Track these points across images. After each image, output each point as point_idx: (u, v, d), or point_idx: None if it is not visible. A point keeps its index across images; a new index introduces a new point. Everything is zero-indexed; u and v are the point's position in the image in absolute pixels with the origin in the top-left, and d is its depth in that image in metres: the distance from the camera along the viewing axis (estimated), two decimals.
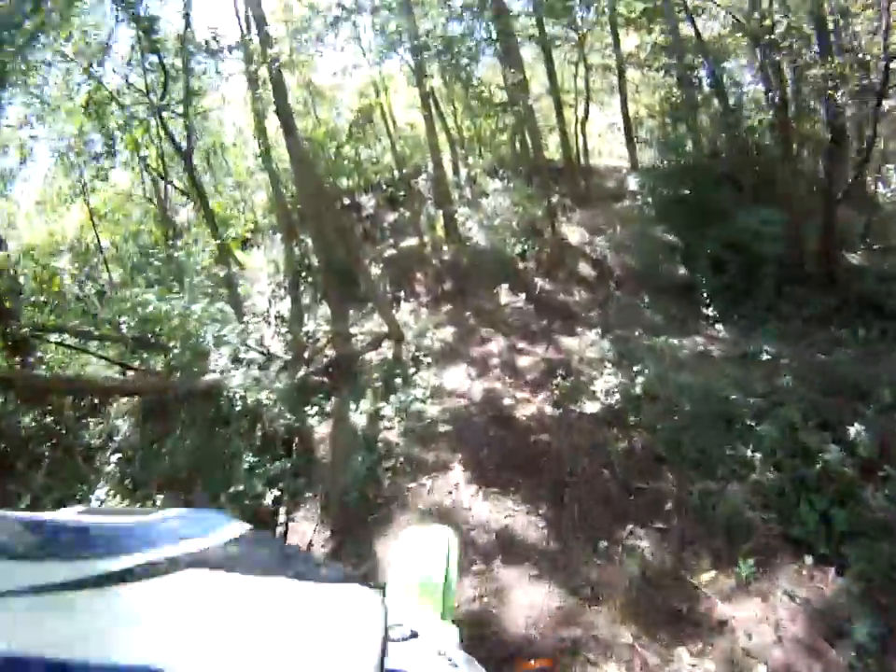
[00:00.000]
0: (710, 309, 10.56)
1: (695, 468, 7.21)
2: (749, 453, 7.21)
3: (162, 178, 16.80)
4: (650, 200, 11.84)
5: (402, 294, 13.05)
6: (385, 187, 19.92)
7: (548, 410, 8.26)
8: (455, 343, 10.56)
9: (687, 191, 11.31)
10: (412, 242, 15.82)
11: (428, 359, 9.99)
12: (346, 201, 19.70)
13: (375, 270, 13.71)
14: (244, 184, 20.01)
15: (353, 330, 11.91)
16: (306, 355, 10.89)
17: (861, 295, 11.09)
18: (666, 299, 10.82)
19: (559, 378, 8.85)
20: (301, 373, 9.53)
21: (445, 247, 13.87)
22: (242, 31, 15.04)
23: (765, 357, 9.07)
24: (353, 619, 0.78)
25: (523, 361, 9.65)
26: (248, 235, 18.20)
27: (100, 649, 0.53)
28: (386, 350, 10.76)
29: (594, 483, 7.10)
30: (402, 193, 18.41)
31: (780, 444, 7.25)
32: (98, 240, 18.16)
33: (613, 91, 19.61)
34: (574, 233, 13.94)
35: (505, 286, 12.06)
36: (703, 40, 15.54)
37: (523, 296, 11.69)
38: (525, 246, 13.23)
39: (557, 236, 13.36)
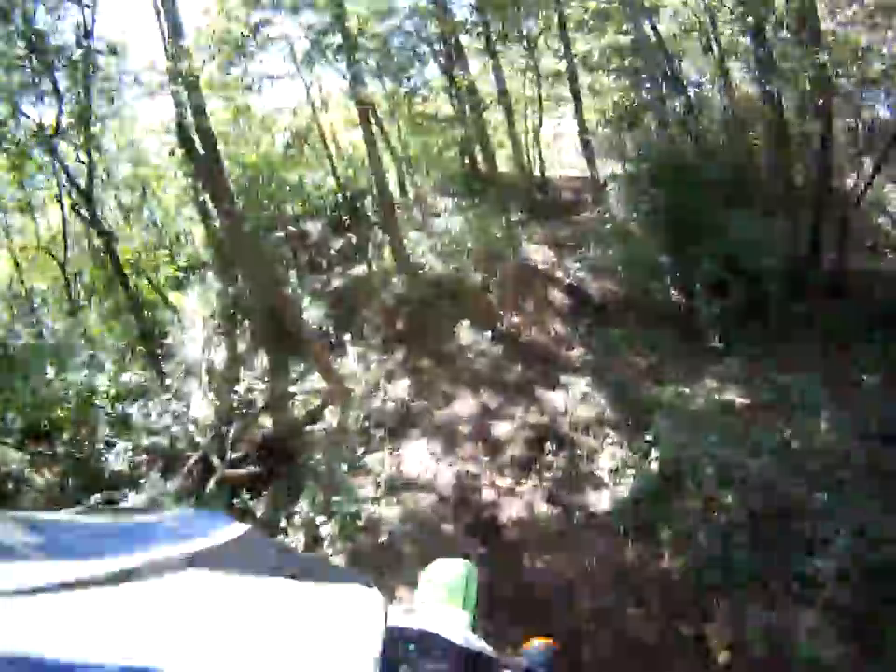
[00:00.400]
0: (714, 339, 8.08)
1: (752, 594, 4.75)
2: (818, 564, 4.84)
3: (78, 218, 13.71)
4: (631, 213, 9.34)
5: (349, 336, 10.30)
6: (329, 211, 17.10)
7: (542, 507, 5.71)
8: (413, 403, 7.88)
9: (670, 201, 8.84)
10: (360, 270, 13.06)
11: (381, 431, 7.29)
12: (291, 228, 16.87)
13: (316, 311, 10.92)
14: (172, 217, 16.98)
15: (293, 389, 9.14)
16: (232, 432, 8.08)
17: (875, 304, 8.85)
18: (661, 330, 8.31)
19: (549, 454, 6.27)
20: (217, 477, 6.74)
21: (395, 279, 11.15)
22: (166, 49, 12.02)
23: (799, 404, 6.65)
24: (353, 619, 0.76)
25: (499, 428, 7.03)
26: (180, 274, 15.16)
27: (100, 649, 0.48)
28: (331, 416, 8.04)
29: (621, 629, 4.55)
30: (347, 218, 15.63)
31: (857, 549, 4.90)
32: (25, 287, 15.14)
33: (565, 99, 17.17)
34: (538, 253, 11.38)
35: (466, 322, 9.40)
36: (662, 40, 13.23)
37: (488, 334, 9.05)
38: (486, 273, 10.59)
39: (520, 259, 10.79)
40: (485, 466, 6.36)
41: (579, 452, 6.26)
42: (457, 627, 1.27)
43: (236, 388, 10.23)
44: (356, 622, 0.75)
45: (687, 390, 7.01)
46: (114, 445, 7.77)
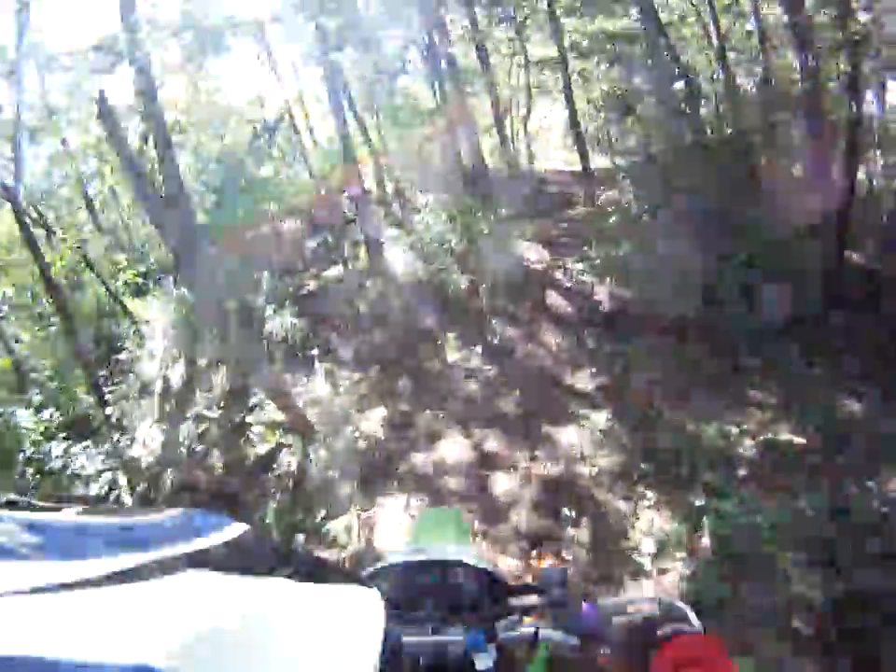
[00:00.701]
0: (748, 359, 6.30)
1: None
2: None
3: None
4: (643, 206, 7.50)
5: (316, 351, 8.43)
6: (305, 209, 15.14)
7: None
8: (389, 442, 6.07)
9: (689, 193, 7.06)
10: (335, 272, 11.18)
11: (348, 483, 5.44)
12: (265, 226, 14.91)
13: (282, 320, 9.00)
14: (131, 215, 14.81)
15: (249, 419, 7.29)
16: (170, 481, 6.23)
17: None
18: (684, 344, 6.50)
19: (568, 524, 4.46)
20: None
21: (370, 282, 9.28)
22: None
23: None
24: (352, 619, 0.74)
25: (497, 482, 5.19)
26: (140, 280, 13.09)
27: (100, 649, 0.45)
28: (289, 457, 6.19)
29: None
30: (324, 215, 13.68)
31: None
32: None
33: (550, 87, 15.34)
34: (531, 251, 9.55)
35: (452, 334, 7.58)
36: (661, 24, 11.46)
37: (478, 349, 7.24)
38: (473, 276, 8.74)
39: (512, 259, 8.96)
40: (482, 538, 4.53)
41: (604, 521, 4.47)
42: (469, 554, 1.19)
43: (187, 415, 8.37)
44: (355, 622, 0.71)
45: (733, 428, 5.24)
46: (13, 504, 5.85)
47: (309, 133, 15.84)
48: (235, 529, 0.83)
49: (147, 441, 8.39)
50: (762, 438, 5.23)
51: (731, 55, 13.06)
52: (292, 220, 15.13)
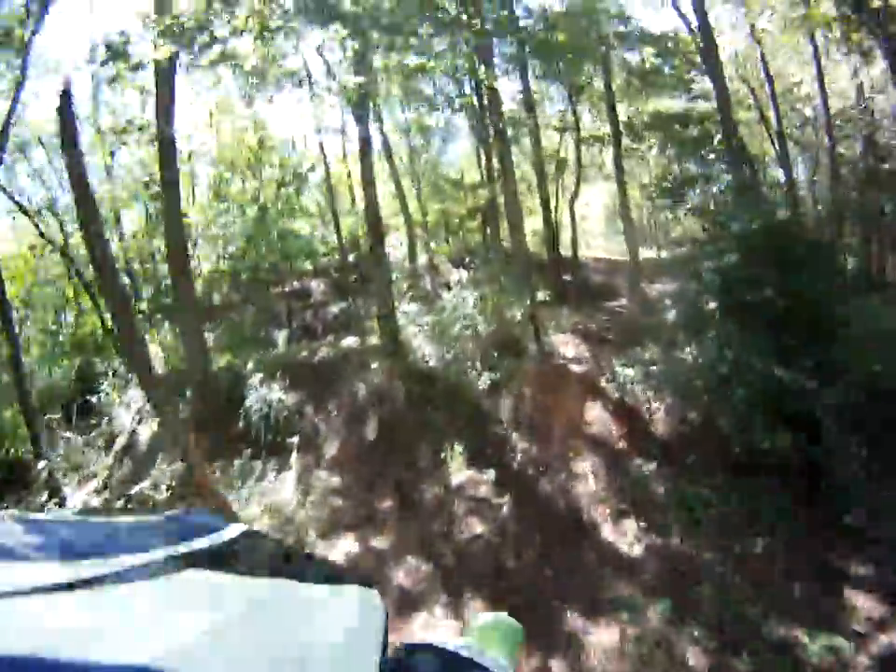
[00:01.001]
0: (857, 517, 4.30)
1: None
2: None
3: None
4: (715, 301, 5.58)
5: (297, 440, 6.70)
6: (333, 271, 13.83)
7: None
8: None
9: (778, 288, 5.20)
10: (350, 342, 9.51)
11: None
12: (295, 283, 13.65)
13: (267, 393, 7.33)
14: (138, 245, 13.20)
15: None
16: None
17: None
18: (767, 488, 4.52)
19: None
20: None
21: (375, 364, 7.58)
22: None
23: None
24: (353, 619, 0.72)
25: None
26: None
27: (100, 649, 0.45)
28: None
29: None
30: (352, 279, 12.29)
31: None
32: None
33: (600, 171, 14.00)
34: (567, 347, 7.78)
35: (460, 447, 5.76)
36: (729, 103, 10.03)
37: (491, 473, 5.38)
38: (496, 374, 6.94)
39: (546, 355, 7.21)
40: None
41: None
42: (508, 669, 0.97)
43: (131, 491, 6.73)
44: (356, 622, 0.69)
45: (845, 644, 3.24)
46: None
47: (349, 195, 14.71)
48: (235, 529, 0.80)
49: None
50: (881, 650, 3.22)
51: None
52: (320, 281, 13.87)
